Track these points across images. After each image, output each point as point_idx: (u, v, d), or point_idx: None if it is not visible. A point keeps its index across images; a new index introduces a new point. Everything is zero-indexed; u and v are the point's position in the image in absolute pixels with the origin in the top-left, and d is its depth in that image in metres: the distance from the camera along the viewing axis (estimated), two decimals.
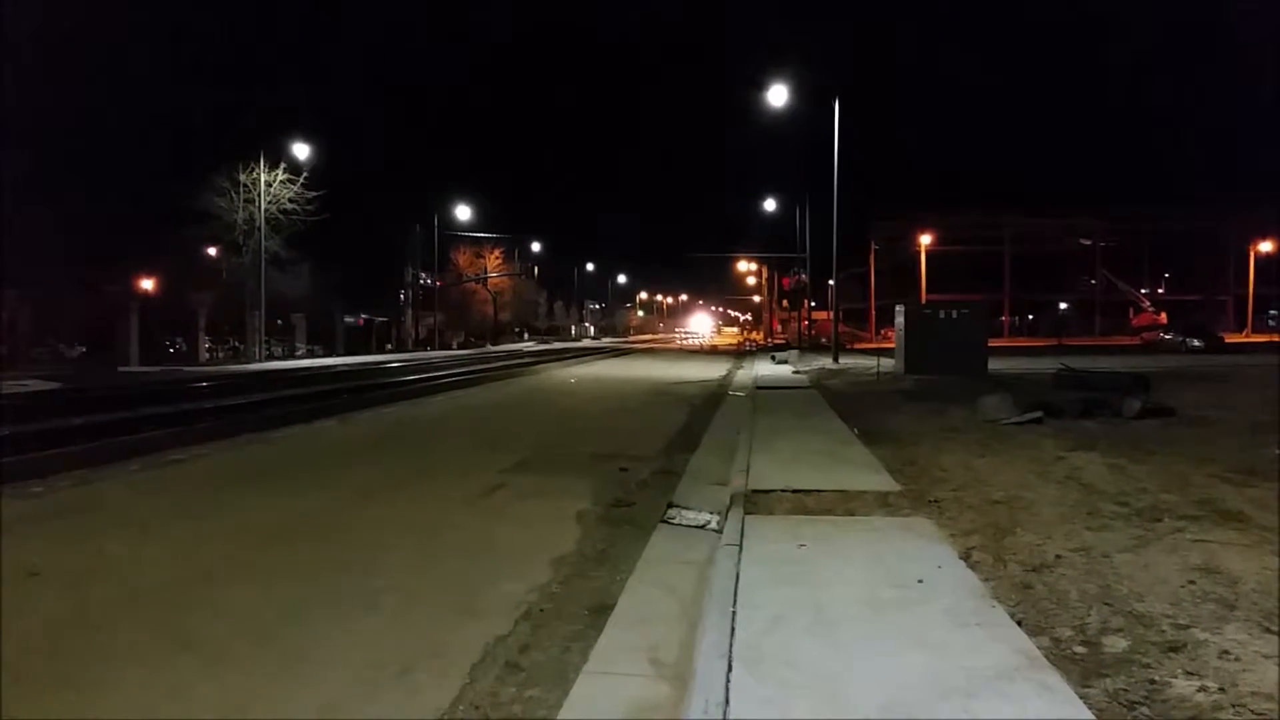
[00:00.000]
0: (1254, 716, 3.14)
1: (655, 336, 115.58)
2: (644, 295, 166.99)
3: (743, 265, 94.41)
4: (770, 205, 56.92)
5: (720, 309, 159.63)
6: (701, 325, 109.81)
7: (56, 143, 47.63)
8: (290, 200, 42.81)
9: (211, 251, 46.29)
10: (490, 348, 64.05)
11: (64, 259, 39.39)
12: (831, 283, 41.73)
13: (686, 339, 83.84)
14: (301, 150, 42.34)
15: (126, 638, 4.46)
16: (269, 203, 41.83)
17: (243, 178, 41.59)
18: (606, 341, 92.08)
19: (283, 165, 42.44)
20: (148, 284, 45.49)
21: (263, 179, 41.31)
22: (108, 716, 3.64)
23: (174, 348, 41.38)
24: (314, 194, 43.14)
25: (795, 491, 7.10)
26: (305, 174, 42.98)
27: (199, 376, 27.17)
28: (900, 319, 23.35)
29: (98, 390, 21.05)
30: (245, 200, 41.88)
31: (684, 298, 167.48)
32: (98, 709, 3.68)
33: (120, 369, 32.88)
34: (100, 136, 57.01)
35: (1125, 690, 3.32)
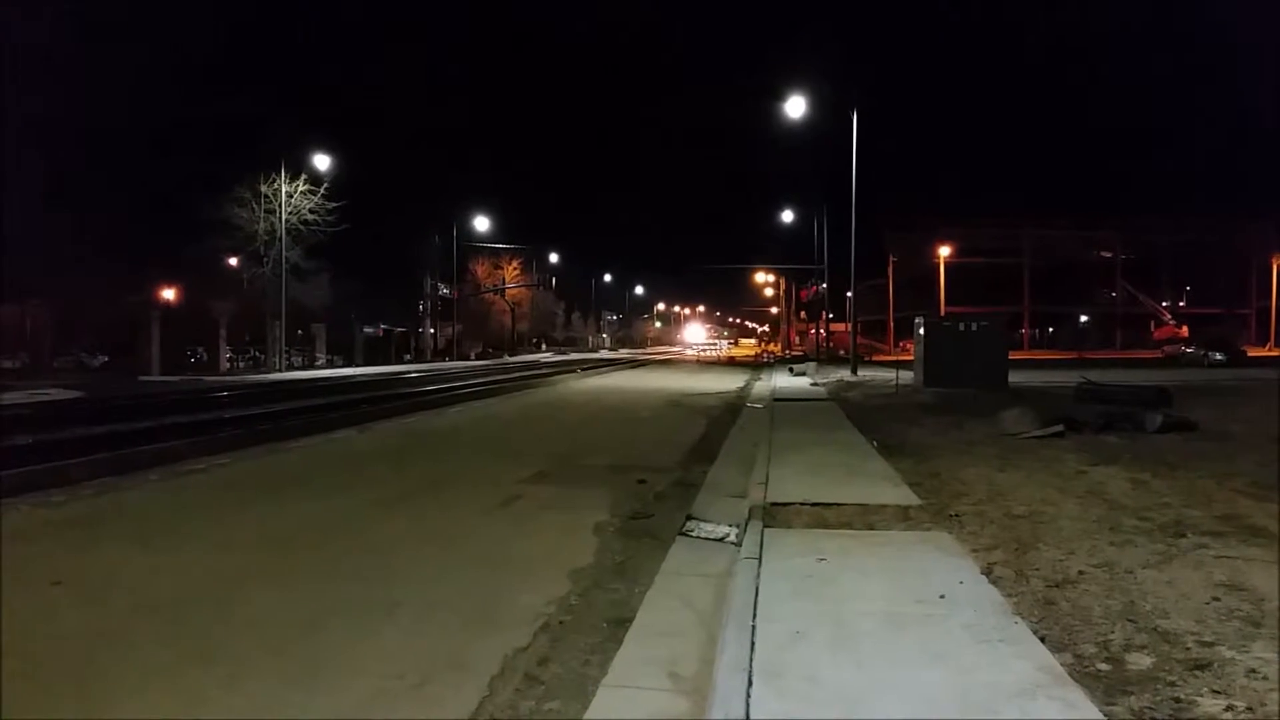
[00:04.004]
0: None
1: (672, 348, 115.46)
2: (661, 306, 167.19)
3: (760, 277, 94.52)
4: (788, 217, 57.05)
5: (736, 320, 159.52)
6: (696, 336, 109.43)
7: (79, 152, 48.25)
8: (310, 211, 43.20)
9: (232, 262, 46.73)
10: (508, 358, 64.23)
11: (87, 268, 39.84)
12: (850, 294, 41.60)
13: (704, 350, 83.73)
14: (322, 161, 42.75)
15: (147, 645, 4.49)
16: (289, 213, 42.19)
17: (264, 188, 42.01)
18: (623, 353, 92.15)
19: (303, 176, 42.84)
20: (169, 294, 45.94)
21: (283, 190, 41.68)
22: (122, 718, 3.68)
23: (195, 357, 41.70)
24: (334, 205, 43.52)
25: (814, 505, 7.07)
26: (325, 185, 43.38)
27: (220, 386, 27.38)
28: (920, 331, 23.25)
29: (119, 399, 21.22)
30: (266, 211, 42.29)
31: (701, 309, 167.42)
32: (120, 716, 3.71)
33: (142, 378, 33.16)
34: (123, 146, 57.76)
35: (1150, 709, 3.29)
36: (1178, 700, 3.35)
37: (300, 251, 44.55)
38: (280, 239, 41.81)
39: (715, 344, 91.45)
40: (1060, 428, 11.42)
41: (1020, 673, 3.52)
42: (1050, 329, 79.58)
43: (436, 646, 4.46)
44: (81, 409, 19.24)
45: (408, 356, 58.38)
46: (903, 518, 6.62)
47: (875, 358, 51.72)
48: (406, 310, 66.26)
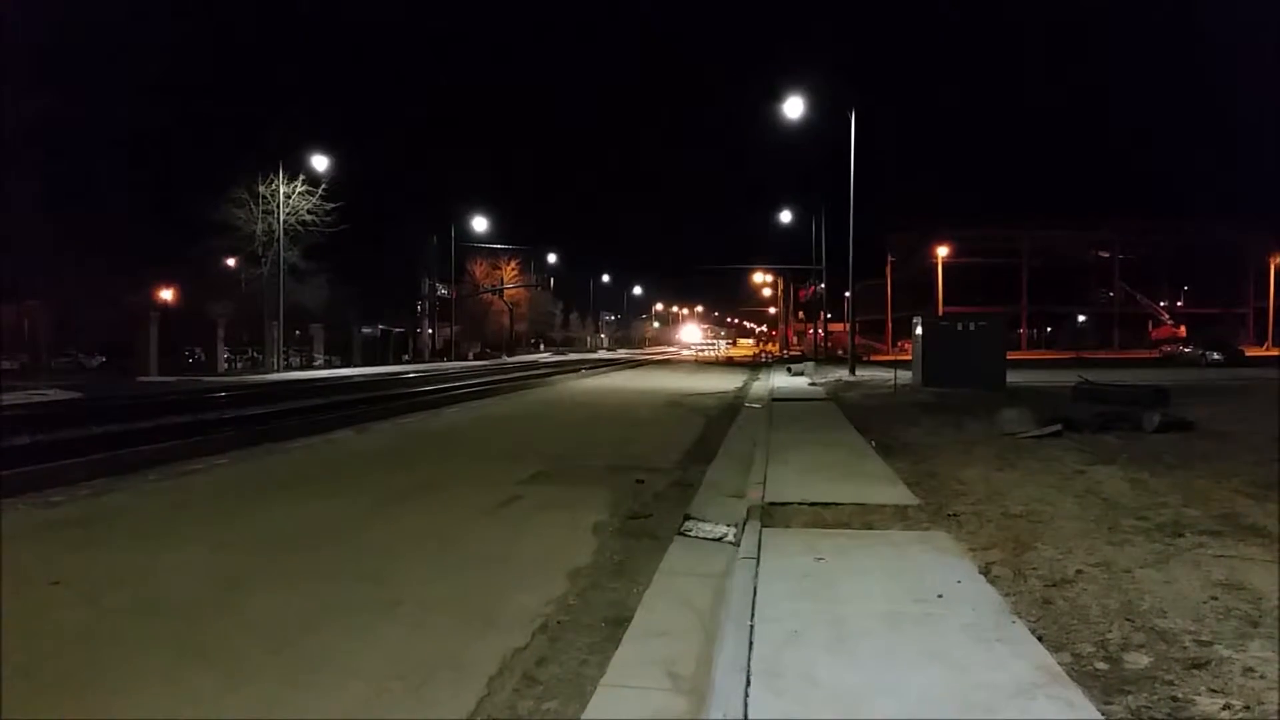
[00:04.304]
0: None
1: (668, 348, 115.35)
2: (659, 306, 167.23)
3: (759, 277, 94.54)
4: (786, 217, 57.03)
5: (735, 320, 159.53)
6: (692, 336, 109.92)
7: (77, 152, 48.21)
8: (309, 212, 43.21)
9: (230, 262, 46.76)
10: (506, 359, 64.21)
11: (85, 269, 39.81)
12: (848, 294, 41.62)
13: (702, 350, 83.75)
14: (320, 162, 42.72)
15: (145, 646, 4.48)
16: (287, 214, 42.17)
17: (262, 189, 42.01)
18: (622, 353, 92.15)
19: (301, 177, 42.83)
20: (167, 294, 45.99)
21: (281, 190, 41.65)
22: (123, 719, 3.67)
23: (193, 358, 41.66)
24: (332, 205, 43.51)
25: (812, 504, 7.07)
26: (324, 185, 43.38)
27: (217, 387, 27.35)
28: (918, 331, 23.28)
29: (117, 400, 21.22)
30: (264, 212, 42.29)
31: (700, 309, 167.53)
32: (118, 716, 3.70)
33: (140, 379, 33.13)
34: (121, 147, 57.71)
35: (1148, 707, 3.29)
36: (1175, 699, 3.35)
37: (298, 252, 44.57)
38: (278, 240, 41.80)
39: (713, 344, 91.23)
40: (1058, 427, 11.43)
41: (1018, 672, 3.52)
42: (1048, 329, 79.62)
43: (435, 647, 4.46)
44: (79, 409, 19.21)
45: (406, 357, 58.37)
46: (901, 517, 6.62)
47: (873, 357, 51.73)
48: (404, 311, 66.29)
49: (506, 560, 6.20)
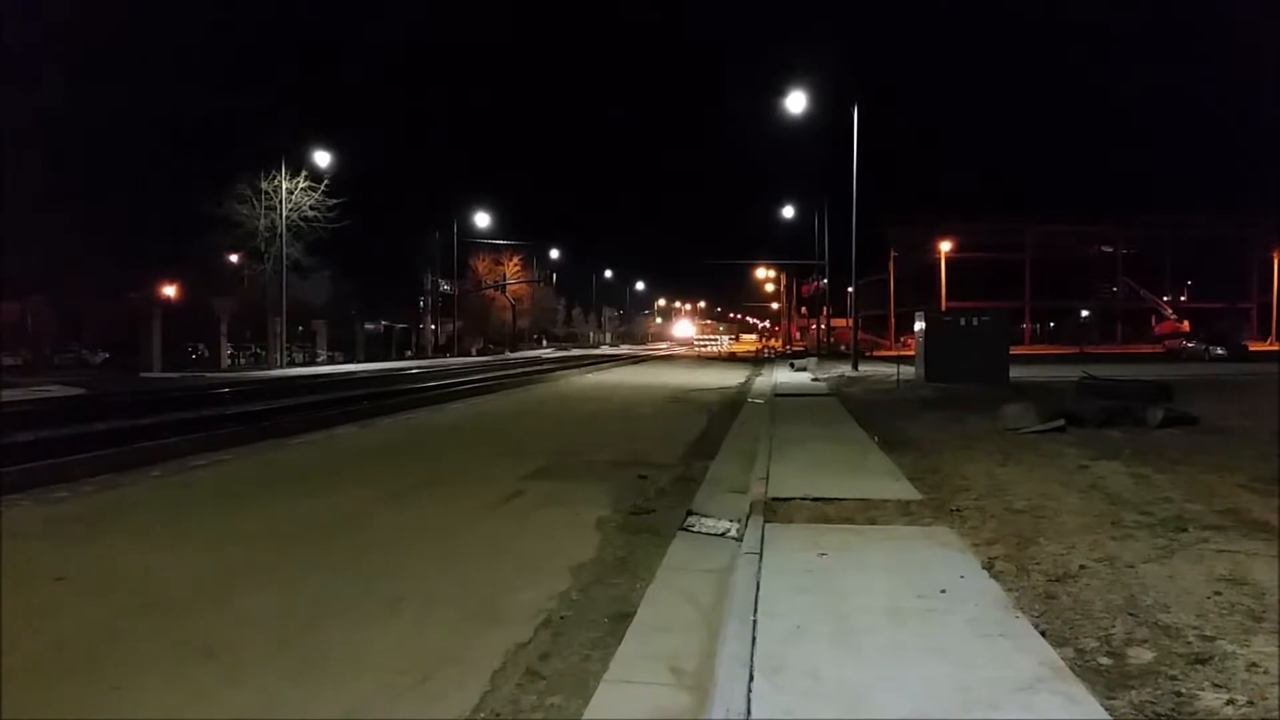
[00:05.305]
0: None
1: (661, 344, 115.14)
2: (662, 302, 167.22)
3: (762, 272, 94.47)
4: (789, 212, 57.01)
5: (738, 316, 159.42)
6: (686, 332, 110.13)
7: (79, 150, 48.29)
8: (311, 208, 43.23)
9: (233, 258, 46.78)
10: (509, 354, 64.19)
11: (87, 266, 39.89)
12: (851, 289, 41.60)
13: (705, 346, 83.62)
14: (322, 158, 42.72)
15: (149, 641, 4.49)
16: (290, 210, 42.17)
17: (264, 185, 41.99)
18: (624, 349, 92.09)
19: (304, 173, 42.83)
20: (170, 290, 46.04)
21: (284, 186, 41.65)
22: (121, 718, 3.68)
23: (196, 354, 41.66)
24: (335, 201, 43.52)
25: (815, 499, 7.06)
26: (326, 181, 43.38)
27: (221, 382, 27.35)
28: (921, 326, 23.25)
29: (120, 396, 21.22)
30: (266, 208, 42.29)
31: (703, 304, 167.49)
32: (121, 714, 3.71)
33: (143, 375, 33.17)
34: (123, 143, 57.74)
35: (1151, 702, 3.28)
36: (1179, 694, 3.34)
37: (301, 248, 44.58)
38: (281, 236, 41.81)
39: (715, 339, 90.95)
40: (1061, 423, 11.40)
41: (1022, 667, 3.52)
42: (1051, 324, 79.54)
43: (439, 641, 4.46)
44: (83, 406, 19.23)
45: (409, 352, 58.37)
46: (904, 512, 6.62)
47: (876, 353, 51.67)
48: (407, 306, 66.26)
49: (509, 555, 6.21)
